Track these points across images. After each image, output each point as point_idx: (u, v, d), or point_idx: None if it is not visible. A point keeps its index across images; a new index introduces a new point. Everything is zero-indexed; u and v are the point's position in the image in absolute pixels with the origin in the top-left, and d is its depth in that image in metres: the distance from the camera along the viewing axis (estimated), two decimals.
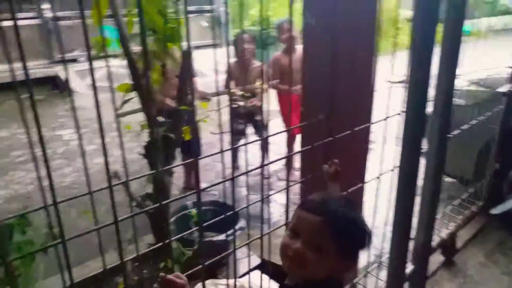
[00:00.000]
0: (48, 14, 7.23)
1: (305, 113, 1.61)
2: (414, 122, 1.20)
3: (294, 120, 3.65)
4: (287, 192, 1.35)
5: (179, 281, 0.91)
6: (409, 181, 1.30)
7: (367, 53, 1.48)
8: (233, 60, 3.59)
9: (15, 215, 0.99)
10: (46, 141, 5.60)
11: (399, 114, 1.41)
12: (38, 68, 6.98)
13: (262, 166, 1.25)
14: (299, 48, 3.45)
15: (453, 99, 1.32)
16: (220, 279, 2.36)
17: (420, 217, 1.50)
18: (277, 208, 3.38)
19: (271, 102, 3.81)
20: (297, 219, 0.90)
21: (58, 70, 6.91)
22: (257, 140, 2.82)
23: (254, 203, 1.35)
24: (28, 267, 1.26)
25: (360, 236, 0.89)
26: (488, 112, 2.19)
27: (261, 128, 3.77)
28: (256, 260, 2.51)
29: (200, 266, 1.15)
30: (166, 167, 1.82)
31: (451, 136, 1.90)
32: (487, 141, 2.40)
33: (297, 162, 3.90)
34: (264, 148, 3.97)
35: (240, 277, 2.30)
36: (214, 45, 1.83)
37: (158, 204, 1.06)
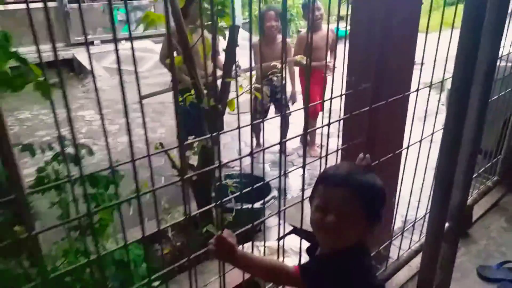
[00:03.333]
0: None
1: (349, 82, 1.73)
2: (462, 85, 1.32)
3: (315, 97, 3.77)
4: (304, 169, 1.41)
5: (231, 241, 0.99)
6: (454, 141, 1.44)
7: (410, 30, 1.60)
8: (257, 37, 3.69)
9: (113, 166, 1.13)
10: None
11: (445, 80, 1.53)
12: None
13: (280, 143, 1.32)
14: (324, 27, 3.56)
15: None
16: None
17: (457, 178, 1.64)
18: (299, 181, 3.59)
19: (294, 80, 3.93)
20: (323, 195, 0.95)
21: (75, 53, 7.01)
22: (277, 116, 2.90)
23: (285, 173, 1.42)
24: (108, 220, 1.40)
25: (382, 196, 0.98)
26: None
27: (283, 106, 3.88)
28: (288, 228, 2.66)
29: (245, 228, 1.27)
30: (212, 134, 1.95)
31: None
32: (508, 117, 2.52)
33: (317, 138, 4.03)
34: (284, 126, 4.10)
35: (277, 239, 2.45)
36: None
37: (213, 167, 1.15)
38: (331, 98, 1.40)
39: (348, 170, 0.98)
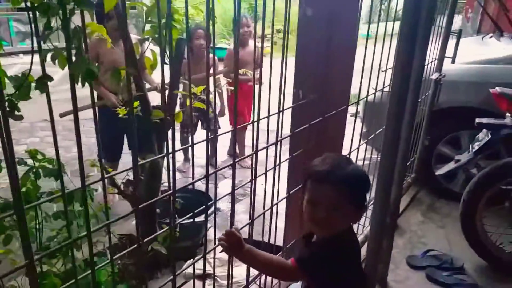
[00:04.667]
0: None
1: (296, 95, 1.85)
2: (401, 90, 1.52)
3: (243, 110, 3.88)
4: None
5: (239, 235, 1.07)
6: (393, 143, 1.63)
7: (350, 41, 1.78)
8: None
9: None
10: None
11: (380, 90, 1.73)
12: None
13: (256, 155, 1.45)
14: (251, 43, 3.70)
15: None
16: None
17: (394, 176, 1.84)
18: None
19: (223, 95, 4.00)
20: (311, 190, 1.04)
21: None
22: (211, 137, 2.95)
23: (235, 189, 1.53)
24: None
25: (365, 183, 1.10)
26: (422, 96, 2.66)
27: (211, 121, 3.92)
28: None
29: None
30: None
31: None
32: (419, 122, 2.88)
33: (246, 150, 4.14)
34: (213, 141, 4.13)
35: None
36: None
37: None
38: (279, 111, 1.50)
39: (332, 164, 1.04)
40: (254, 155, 1.43)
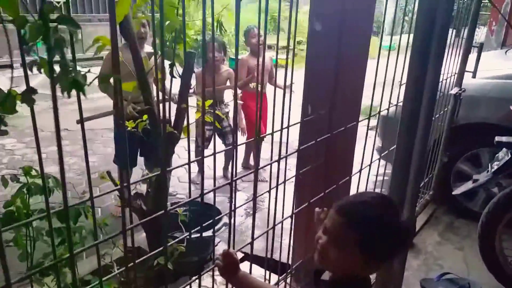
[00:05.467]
0: None
1: (305, 109, 1.81)
2: (413, 106, 1.46)
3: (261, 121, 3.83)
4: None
5: (236, 257, 1.04)
6: (405, 160, 1.56)
7: (361, 56, 1.73)
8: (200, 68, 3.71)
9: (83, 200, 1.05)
10: None
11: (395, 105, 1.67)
12: None
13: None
14: (266, 53, 3.69)
15: None
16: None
17: (407, 195, 1.76)
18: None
19: (238, 108, 3.98)
20: (329, 218, 0.96)
21: None
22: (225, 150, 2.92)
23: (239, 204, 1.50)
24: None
25: (385, 236, 0.90)
26: (440, 112, 2.57)
27: (227, 134, 3.91)
28: (239, 255, 2.63)
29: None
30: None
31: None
32: (437, 138, 2.79)
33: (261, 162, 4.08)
34: (228, 153, 4.11)
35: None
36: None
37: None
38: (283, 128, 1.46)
39: (359, 201, 0.97)
40: (258, 172, 1.39)
